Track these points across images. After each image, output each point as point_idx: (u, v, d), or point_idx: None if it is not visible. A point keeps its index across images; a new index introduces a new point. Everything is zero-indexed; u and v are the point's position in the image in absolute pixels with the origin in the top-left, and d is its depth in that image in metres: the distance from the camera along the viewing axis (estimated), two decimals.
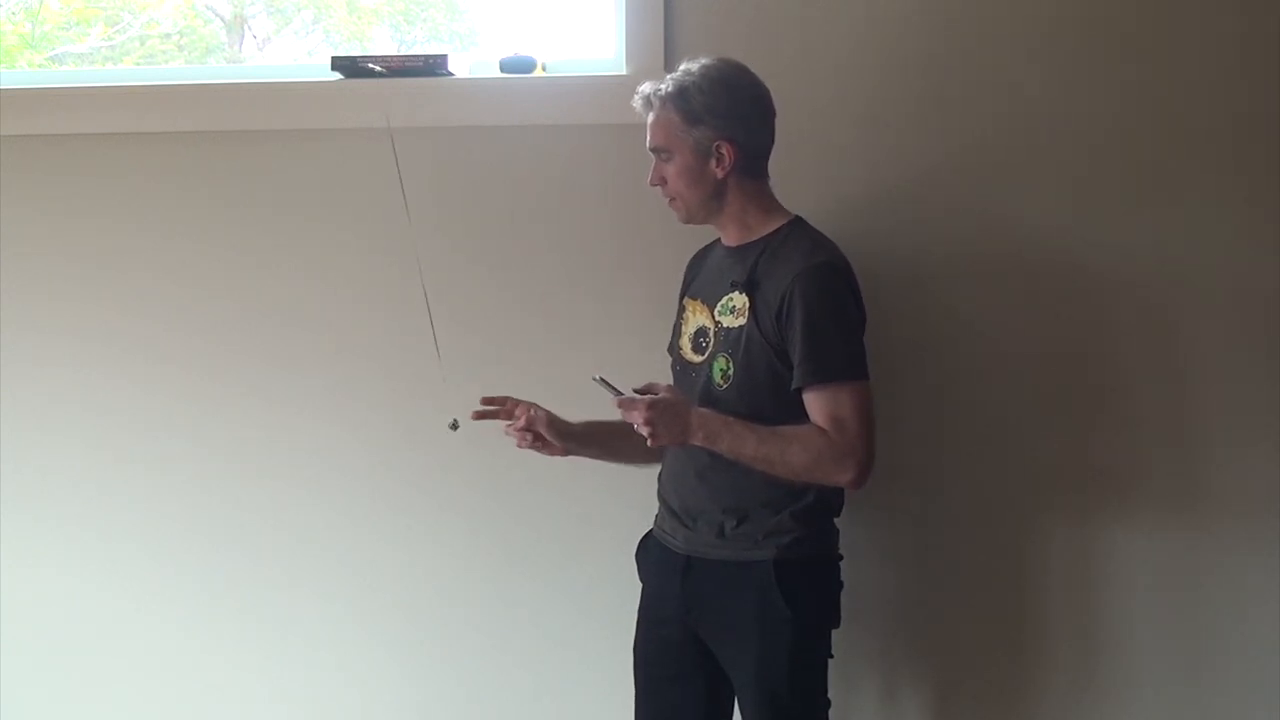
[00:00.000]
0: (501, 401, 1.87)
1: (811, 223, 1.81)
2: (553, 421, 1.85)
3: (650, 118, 1.77)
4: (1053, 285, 2.07)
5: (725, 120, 1.73)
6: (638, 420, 1.68)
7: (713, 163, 1.75)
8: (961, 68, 2.06)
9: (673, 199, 1.80)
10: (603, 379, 1.75)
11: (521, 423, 1.85)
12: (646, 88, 1.78)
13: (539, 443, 1.86)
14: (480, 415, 1.87)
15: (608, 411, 1.75)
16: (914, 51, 2.06)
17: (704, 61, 1.77)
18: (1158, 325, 2.07)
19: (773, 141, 1.80)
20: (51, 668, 2.34)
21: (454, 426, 1.95)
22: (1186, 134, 2.03)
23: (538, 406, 1.86)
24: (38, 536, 2.32)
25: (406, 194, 2.07)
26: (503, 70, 2.18)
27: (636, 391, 1.72)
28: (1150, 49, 2.03)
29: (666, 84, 1.76)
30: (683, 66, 1.77)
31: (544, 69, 2.19)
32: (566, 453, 1.88)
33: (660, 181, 1.80)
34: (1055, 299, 2.07)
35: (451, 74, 2.18)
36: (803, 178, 1.93)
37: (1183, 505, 2.08)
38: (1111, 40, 2.04)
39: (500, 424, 1.89)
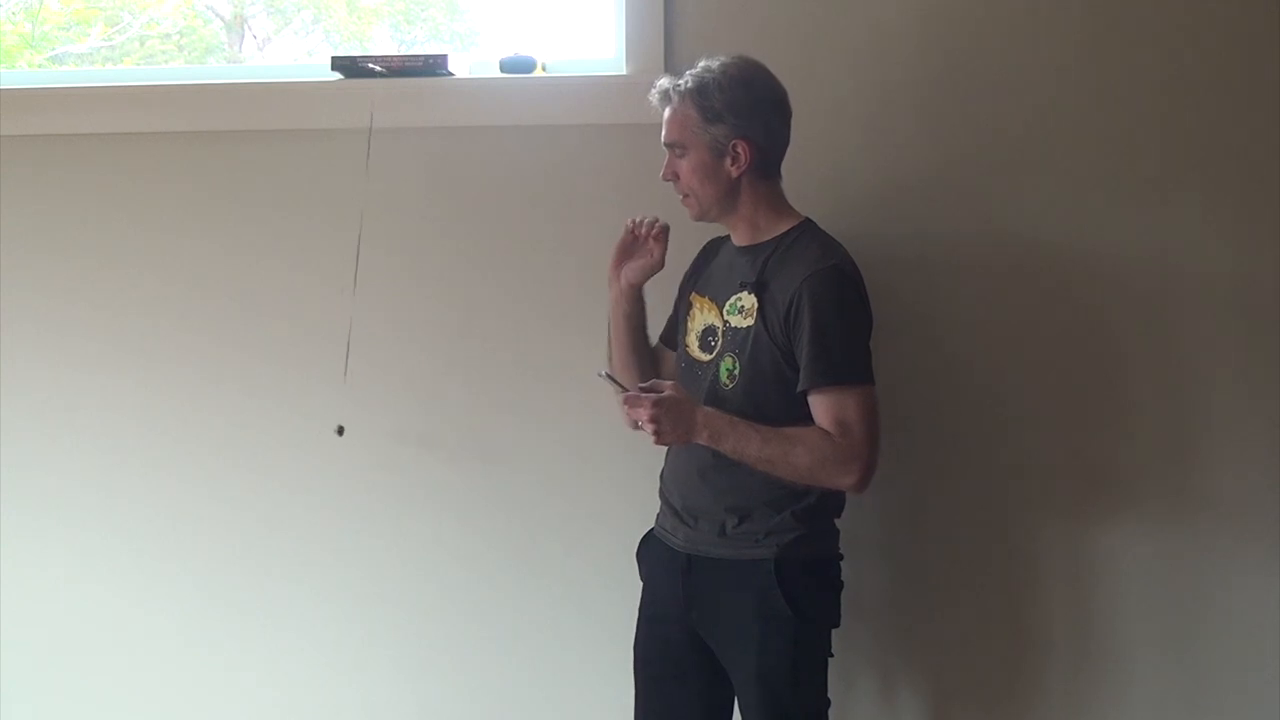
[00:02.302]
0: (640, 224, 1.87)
1: (817, 224, 1.81)
2: (645, 272, 1.87)
3: (667, 112, 1.77)
4: (1055, 287, 2.08)
5: (744, 120, 1.73)
6: (643, 417, 1.68)
7: (728, 161, 1.75)
8: (962, 69, 2.06)
9: (685, 195, 1.80)
10: (609, 375, 1.75)
11: (654, 229, 1.85)
12: (665, 82, 1.78)
13: (630, 247, 1.88)
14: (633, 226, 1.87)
15: (613, 409, 1.75)
16: (917, 53, 2.07)
17: (724, 59, 1.76)
18: (1158, 326, 2.07)
19: (788, 143, 1.80)
20: (51, 668, 2.34)
21: (340, 431, 2.04)
22: (1187, 135, 2.04)
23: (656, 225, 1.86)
24: (38, 536, 2.32)
25: (369, 195, 2.10)
26: (503, 70, 2.18)
27: (641, 389, 1.72)
28: (1151, 50, 2.04)
29: (686, 79, 1.75)
30: (702, 63, 1.77)
31: (544, 69, 2.19)
32: (619, 280, 1.89)
33: (673, 176, 1.80)
34: (1058, 300, 2.08)
35: (451, 74, 2.18)
36: (806, 179, 1.93)
37: (1182, 505, 2.08)
38: (1113, 41, 2.04)
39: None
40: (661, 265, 1.87)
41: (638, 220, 1.87)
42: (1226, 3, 2.02)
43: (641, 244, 1.88)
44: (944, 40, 2.06)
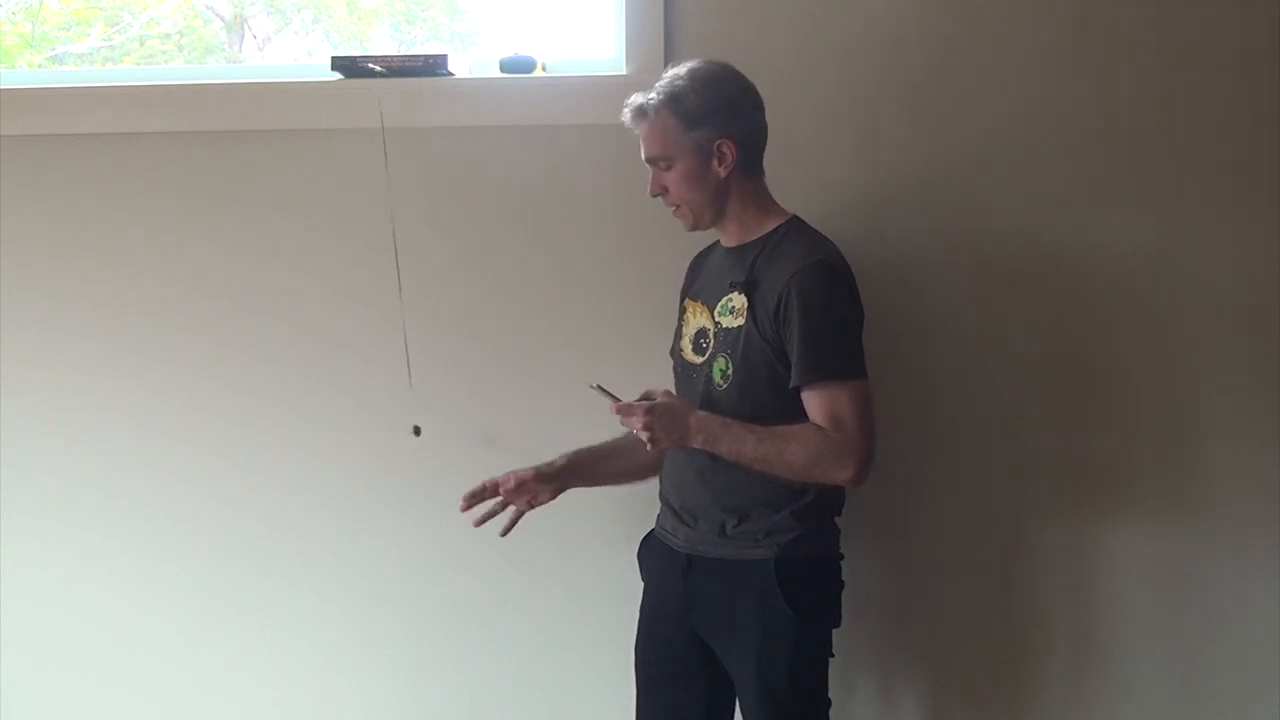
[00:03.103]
0: (481, 490, 1.92)
1: (810, 223, 1.81)
2: (538, 473, 1.90)
3: (645, 128, 1.76)
4: (1049, 285, 2.08)
5: (723, 118, 1.73)
6: (637, 425, 1.68)
7: (715, 162, 1.74)
8: (960, 68, 2.06)
9: (677, 206, 1.79)
10: (600, 386, 1.74)
11: (511, 485, 1.90)
12: (636, 99, 1.76)
13: (533, 499, 1.92)
14: (469, 507, 1.92)
15: (607, 418, 1.75)
16: (913, 52, 2.07)
17: (689, 65, 1.77)
18: (1155, 325, 2.07)
19: (767, 134, 1.80)
20: (51, 667, 2.34)
21: (416, 432, 2.06)
22: (1185, 134, 2.04)
23: (513, 474, 1.90)
24: (38, 536, 2.32)
25: (395, 195, 2.10)
26: (503, 70, 2.18)
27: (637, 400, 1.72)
28: (1148, 49, 2.04)
29: (656, 93, 1.75)
30: (669, 73, 1.77)
31: (544, 69, 2.19)
32: (559, 491, 1.93)
33: (661, 191, 1.78)
34: (1052, 299, 2.08)
35: (451, 74, 2.18)
36: (801, 178, 1.93)
37: (1180, 505, 2.08)
38: (1110, 40, 2.04)
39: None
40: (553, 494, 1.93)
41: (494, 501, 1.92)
42: (1226, 4, 2.02)
43: (526, 492, 1.91)
44: (943, 40, 2.06)
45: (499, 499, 1.92)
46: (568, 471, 1.93)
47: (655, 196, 1.80)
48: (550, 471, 1.92)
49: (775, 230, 1.78)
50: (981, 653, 2.14)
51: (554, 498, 1.94)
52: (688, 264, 1.96)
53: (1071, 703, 2.12)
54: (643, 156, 1.78)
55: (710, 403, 1.76)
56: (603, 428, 1.91)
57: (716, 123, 1.73)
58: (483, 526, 2.19)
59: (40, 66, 2.62)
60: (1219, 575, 2.08)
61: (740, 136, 1.74)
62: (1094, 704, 2.11)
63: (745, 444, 1.69)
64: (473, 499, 1.91)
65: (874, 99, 2.07)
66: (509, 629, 2.23)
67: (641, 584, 1.95)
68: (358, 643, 2.27)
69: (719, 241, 1.88)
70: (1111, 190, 2.05)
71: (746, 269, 1.76)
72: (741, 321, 1.75)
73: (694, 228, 1.81)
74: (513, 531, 2.19)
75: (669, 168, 1.76)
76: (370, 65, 2.16)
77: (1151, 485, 2.09)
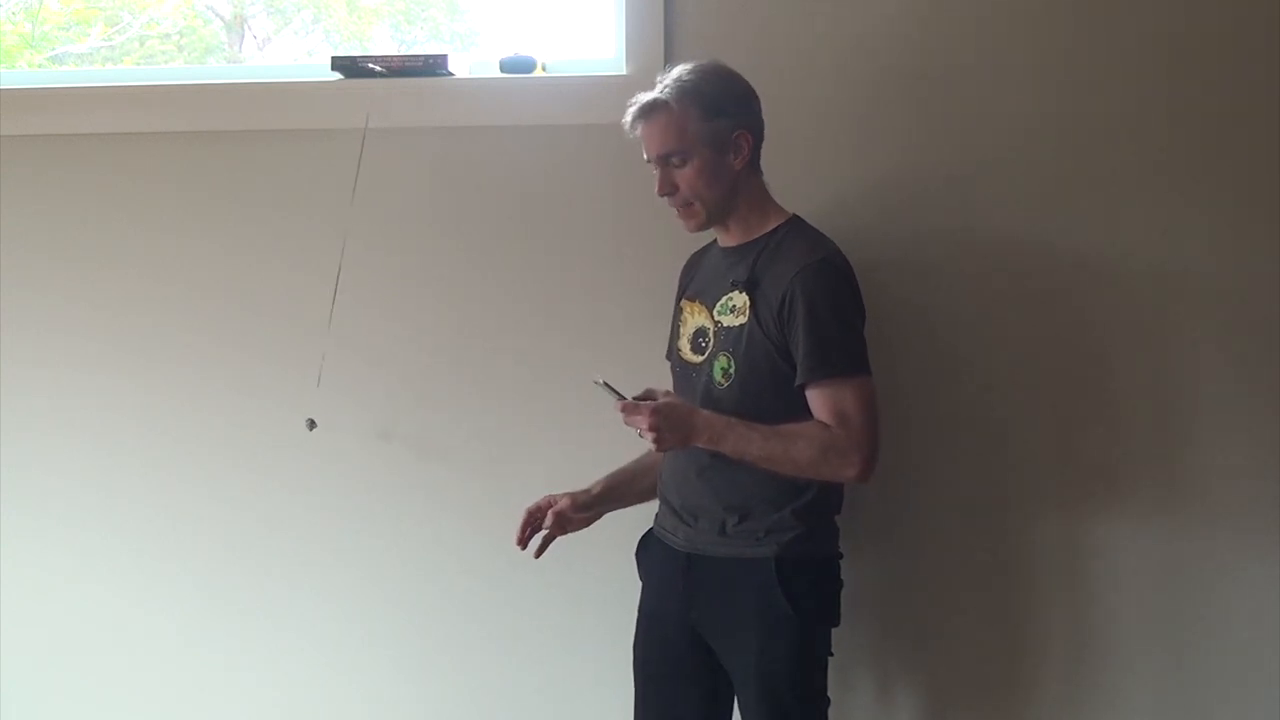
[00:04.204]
0: (529, 519, 1.92)
1: (810, 221, 1.81)
2: (574, 502, 1.91)
3: (656, 124, 1.73)
4: (1047, 284, 2.08)
5: (740, 109, 1.74)
6: (642, 425, 1.68)
7: (731, 154, 1.74)
8: (957, 68, 2.06)
9: (687, 204, 1.77)
10: (604, 382, 1.74)
11: (550, 521, 1.90)
12: (644, 97, 1.75)
13: (567, 526, 1.93)
14: (524, 539, 1.93)
15: (609, 417, 1.75)
16: (911, 51, 2.07)
17: (691, 64, 1.76)
18: (1152, 324, 2.07)
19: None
20: (51, 667, 2.34)
21: (311, 426, 2.09)
22: (1182, 133, 2.04)
23: (553, 498, 1.91)
24: (38, 536, 2.32)
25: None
26: (503, 70, 2.18)
27: (637, 397, 1.72)
28: (1148, 50, 2.04)
29: (667, 89, 1.74)
30: (673, 75, 1.76)
31: (544, 69, 2.19)
32: (594, 519, 1.95)
33: (671, 189, 1.77)
34: (1050, 298, 2.08)
35: (451, 74, 2.18)
36: (800, 177, 1.93)
37: (1178, 504, 2.08)
38: (1110, 41, 2.04)
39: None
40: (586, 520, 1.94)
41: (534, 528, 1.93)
42: (1226, 5, 2.02)
43: (561, 520, 1.92)
44: (943, 39, 2.06)
45: (544, 525, 1.93)
46: (601, 499, 1.94)
47: (664, 196, 1.78)
48: (586, 500, 1.93)
49: (777, 229, 1.78)
50: (979, 651, 2.14)
51: (588, 525, 1.95)
52: (684, 264, 1.96)
53: (1069, 701, 2.12)
54: (650, 155, 1.76)
55: (711, 402, 1.76)
56: (605, 427, 1.91)
57: (733, 114, 1.73)
58: (480, 527, 2.21)
59: (40, 66, 2.63)
60: (1217, 574, 2.08)
61: (753, 129, 1.75)
62: (1092, 702, 2.11)
63: (750, 442, 1.69)
64: (524, 530, 1.92)
65: (874, 99, 2.07)
66: (509, 629, 2.23)
67: (640, 583, 1.95)
68: (358, 643, 2.27)
69: (714, 243, 1.87)
70: (1109, 190, 2.05)
71: (748, 267, 1.76)
72: (743, 320, 1.74)
73: (700, 227, 1.80)
74: (512, 532, 2.18)
75: (683, 163, 1.74)
76: (370, 65, 2.17)
77: (1152, 485, 2.09)
